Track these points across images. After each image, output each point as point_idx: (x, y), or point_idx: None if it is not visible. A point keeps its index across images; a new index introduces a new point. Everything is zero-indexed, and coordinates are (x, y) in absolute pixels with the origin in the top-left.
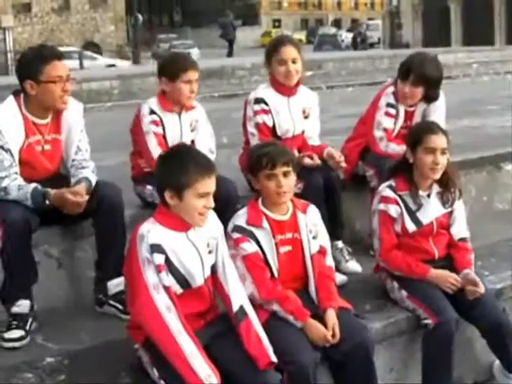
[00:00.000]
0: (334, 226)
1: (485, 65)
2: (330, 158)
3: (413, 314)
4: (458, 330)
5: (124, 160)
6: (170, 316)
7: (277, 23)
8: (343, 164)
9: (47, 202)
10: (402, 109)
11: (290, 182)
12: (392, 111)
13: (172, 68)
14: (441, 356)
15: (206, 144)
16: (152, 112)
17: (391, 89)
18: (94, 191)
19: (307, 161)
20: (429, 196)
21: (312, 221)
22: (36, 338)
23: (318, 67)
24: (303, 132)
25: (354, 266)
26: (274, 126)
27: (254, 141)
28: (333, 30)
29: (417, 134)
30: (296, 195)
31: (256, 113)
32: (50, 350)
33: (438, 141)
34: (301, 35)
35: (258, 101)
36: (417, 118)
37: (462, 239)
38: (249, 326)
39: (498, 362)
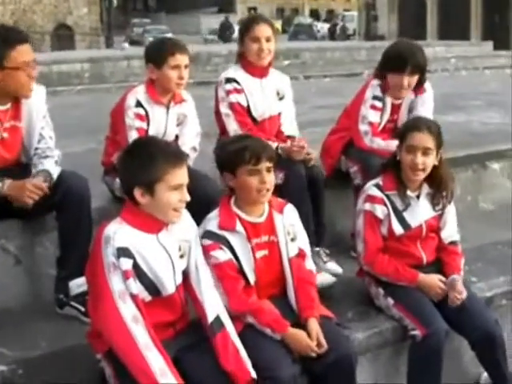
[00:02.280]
0: (316, 227)
1: (463, 59)
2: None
3: (399, 324)
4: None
5: (91, 147)
6: (137, 328)
7: (252, 11)
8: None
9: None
10: (388, 102)
11: (272, 179)
12: (378, 104)
13: (158, 53)
14: (428, 370)
15: (190, 142)
16: (138, 104)
17: (377, 81)
18: (58, 182)
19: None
20: (418, 197)
21: (289, 221)
22: None
23: (295, 56)
24: (279, 114)
25: (333, 266)
26: (248, 108)
27: (231, 122)
28: (308, 20)
29: (402, 130)
30: (277, 187)
31: (228, 92)
32: (4, 357)
33: (420, 139)
34: (276, 24)
35: (230, 80)
36: (403, 111)
37: (453, 242)
38: (226, 338)
39: (485, 374)
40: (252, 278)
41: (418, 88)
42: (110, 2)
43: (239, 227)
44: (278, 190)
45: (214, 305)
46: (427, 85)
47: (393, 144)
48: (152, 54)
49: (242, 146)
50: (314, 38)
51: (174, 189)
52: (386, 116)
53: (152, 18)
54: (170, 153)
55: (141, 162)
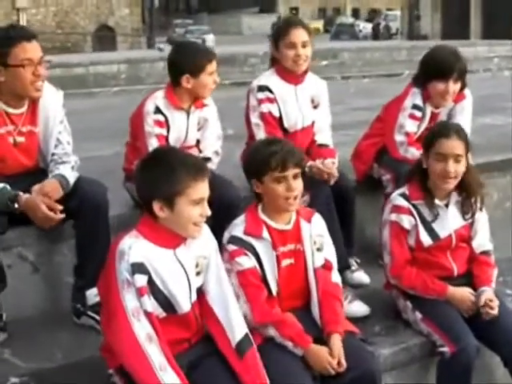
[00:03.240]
0: (345, 243)
1: (506, 59)
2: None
3: (427, 339)
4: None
5: (119, 151)
6: (152, 347)
7: (294, 11)
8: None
9: (16, 205)
10: (428, 111)
11: (300, 186)
12: (418, 114)
13: (194, 61)
14: None
15: (211, 146)
16: (157, 110)
17: (417, 89)
18: (75, 188)
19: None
20: (447, 206)
21: (317, 231)
22: (3, 352)
23: (333, 57)
24: (313, 123)
25: (360, 276)
26: (280, 118)
27: (260, 133)
28: (350, 20)
29: (430, 137)
30: None
31: (260, 101)
32: (17, 369)
33: (451, 146)
34: (318, 24)
35: (262, 88)
36: (442, 119)
37: (485, 252)
38: (254, 357)
39: None
40: (274, 289)
41: (458, 94)
42: (152, 3)
43: (265, 234)
44: None
45: (241, 323)
46: (467, 91)
47: None
48: (187, 64)
49: (268, 154)
50: (356, 37)
51: (196, 203)
52: (424, 125)
53: (194, 19)
54: (191, 165)
55: (160, 175)
